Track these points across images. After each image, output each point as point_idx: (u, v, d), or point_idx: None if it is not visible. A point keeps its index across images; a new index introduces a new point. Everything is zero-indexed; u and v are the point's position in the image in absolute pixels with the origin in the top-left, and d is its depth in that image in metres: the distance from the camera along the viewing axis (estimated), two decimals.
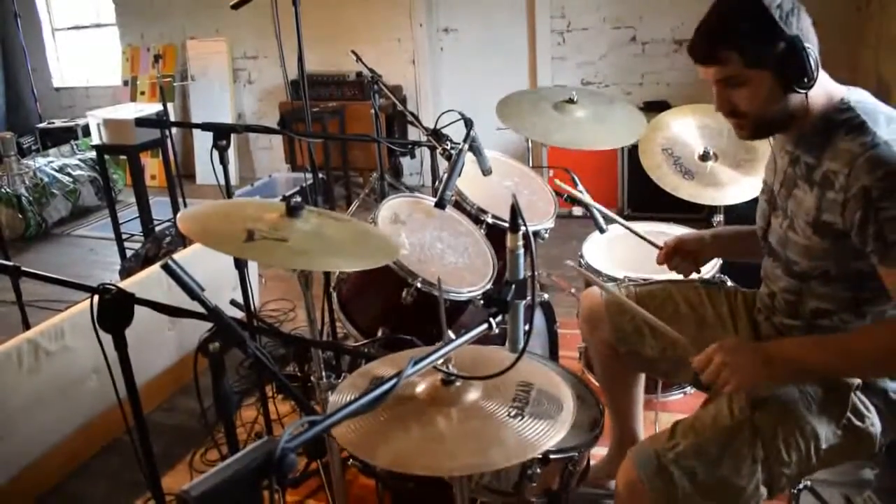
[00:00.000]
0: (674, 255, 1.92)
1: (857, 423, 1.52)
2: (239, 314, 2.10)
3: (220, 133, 2.01)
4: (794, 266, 1.55)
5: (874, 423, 1.53)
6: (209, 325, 1.27)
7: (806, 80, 1.40)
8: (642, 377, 2.16)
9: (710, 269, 2.37)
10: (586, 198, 2.39)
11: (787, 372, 1.48)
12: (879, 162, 1.33)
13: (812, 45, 1.39)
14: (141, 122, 3.17)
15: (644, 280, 2.03)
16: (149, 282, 2.84)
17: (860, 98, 1.46)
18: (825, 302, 1.53)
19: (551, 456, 1.61)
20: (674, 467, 1.44)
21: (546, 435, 1.18)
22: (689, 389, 2.52)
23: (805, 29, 1.41)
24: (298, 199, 1.56)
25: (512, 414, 1.23)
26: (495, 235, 2.26)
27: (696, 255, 1.91)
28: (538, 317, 2.42)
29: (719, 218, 2.53)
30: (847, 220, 1.39)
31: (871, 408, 1.53)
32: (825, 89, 1.46)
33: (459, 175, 1.99)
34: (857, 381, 1.52)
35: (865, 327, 1.51)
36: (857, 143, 1.37)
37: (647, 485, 1.46)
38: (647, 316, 1.66)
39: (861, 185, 1.35)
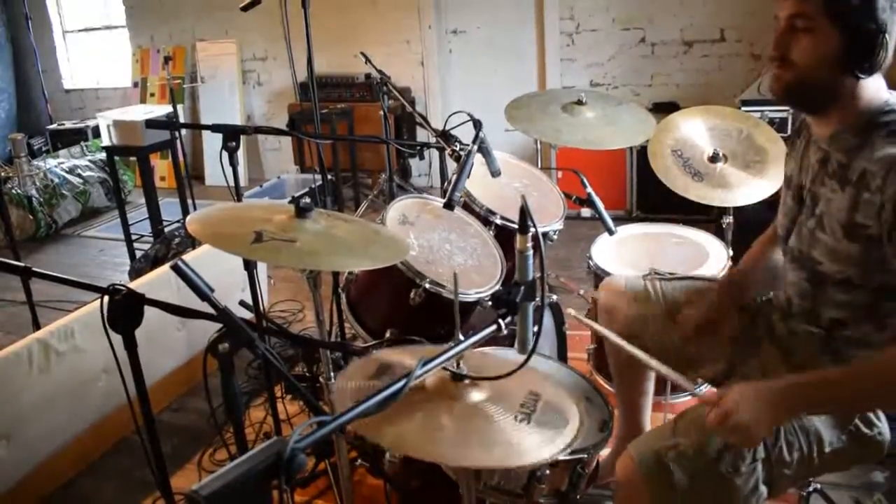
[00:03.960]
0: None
1: (865, 430, 1.50)
2: (248, 315, 2.10)
3: (230, 134, 2.02)
4: (816, 266, 1.50)
5: (882, 431, 1.51)
6: (218, 325, 1.28)
7: (867, 66, 1.36)
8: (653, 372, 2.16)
9: (720, 269, 2.37)
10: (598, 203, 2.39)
11: (805, 410, 1.43)
12: None
13: (892, 42, 1.36)
14: (151, 123, 3.19)
15: (671, 274, 2.02)
16: (158, 282, 2.85)
17: None
18: (843, 311, 1.50)
19: (560, 457, 1.61)
20: (674, 466, 1.43)
21: (547, 445, 1.19)
22: (698, 391, 2.51)
23: (894, 25, 1.37)
24: (307, 200, 1.56)
25: (519, 419, 1.23)
26: (504, 237, 2.26)
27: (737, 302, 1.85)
28: (547, 318, 2.41)
29: (728, 219, 2.52)
30: (882, 225, 1.35)
31: (882, 417, 1.51)
32: (875, 89, 1.42)
33: (468, 176, 1.99)
34: None
35: (888, 353, 1.38)
36: None
37: (646, 482, 1.45)
38: (639, 354, 1.61)
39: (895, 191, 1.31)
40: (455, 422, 1.22)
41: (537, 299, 1.23)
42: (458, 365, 1.27)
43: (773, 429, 1.43)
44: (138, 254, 4.34)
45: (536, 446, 1.18)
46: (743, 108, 3.71)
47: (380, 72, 3.08)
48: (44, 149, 6.54)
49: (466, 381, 1.27)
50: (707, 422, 1.37)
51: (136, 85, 6.79)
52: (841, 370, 1.45)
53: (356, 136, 5.64)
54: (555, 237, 2.40)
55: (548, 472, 1.60)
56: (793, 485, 1.61)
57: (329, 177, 3.28)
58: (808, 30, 1.39)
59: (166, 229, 4.51)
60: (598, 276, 2.48)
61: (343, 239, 1.59)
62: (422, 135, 5.84)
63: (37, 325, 3.23)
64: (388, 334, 2.02)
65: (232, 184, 2.07)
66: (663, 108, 4.66)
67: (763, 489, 1.46)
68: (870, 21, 1.34)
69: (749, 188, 2.29)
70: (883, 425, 1.51)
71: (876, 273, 1.41)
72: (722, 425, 1.34)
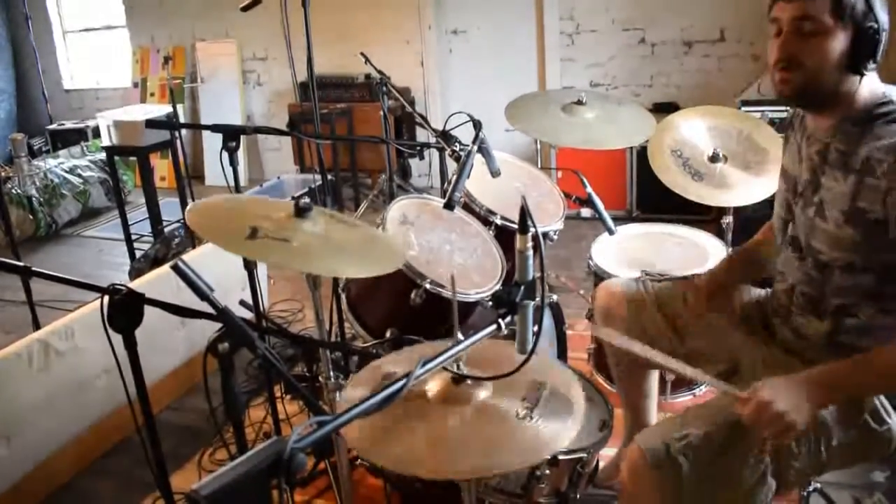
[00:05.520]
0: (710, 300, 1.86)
1: (875, 425, 1.50)
2: (248, 315, 2.11)
3: (230, 134, 2.02)
4: (818, 255, 1.52)
5: (892, 427, 1.51)
6: (218, 325, 1.28)
7: (872, 63, 1.42)
8: (655, 372, 2.16)
9: None
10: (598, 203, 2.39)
11: (833, 399, 1.44)
12: None
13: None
14: (151, 123, 3.17)
15: (661, 275, 2.03)
16: (158, 282, 2.85)
17: None
18: (848, 296, 1.51)
19: (560, 457, 1.61)
20: (681, 456, 1.43)
21: (556, 436, 1.18)
22: (697, 390, 2.52)
23: (887, 22, 1.43)
24: (307, 199, 1.57)
25: (521, 414, 1.23)
26: (504, 237, 2.26)
27: (726, 293, 1.87)
28: (547, 318, 2.41)
29: (728, 219, 2.52)
30: (889, 209, 1.38)
31: (892, 412, 1.51)
32: (871, 83, 1.47)
33: (468, 176, 1.99)
34: None
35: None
36: None
37: (653, 473, 1.45)
38: (666, 361, 1.61)
39: None
40: (459, 428, 1.21)
41: (537, 299, 1.23)
42: (457, 365, 1.27)
43: (814, 416, 1.42)
44: (138, 254, 4.34)
45: (543, 441, 1.18)
46: (743, 109, 3.71)
47: (380, 72, 3.08)
48: (44, 149, 6.54)
49: (469, 382, 1.27)
50: (744, 419, 1.38)
51: (136, 85, 6.78)
52: (863, 358, 1.43)
53: (356, 136, 5.64)
54: (555, 237, 2.40)
55: (548, 471, 1.61)
56: (802, 480, 1.60)
57: (329, 177, 3.28)
58: (816, 32, 1.42)
59: (166, 229, 4.51)
60: (598, 276, 2.48)
61: (339, 242, 1.59)
62: (422, 135, 5.84)
63: (37, 325, 3.23)
64: (388, 334, 2.02)
65: (232, 184, 2.07)
66: (663, 109, 4.66)
67: (772, 482, 1.46)
68: (872, 20, 1.39)
69: (749, 188, 2.29)
70: (893, 421, 1.51)
71: (882, 254, 1.43)
72: (759, 418, 1.35)
